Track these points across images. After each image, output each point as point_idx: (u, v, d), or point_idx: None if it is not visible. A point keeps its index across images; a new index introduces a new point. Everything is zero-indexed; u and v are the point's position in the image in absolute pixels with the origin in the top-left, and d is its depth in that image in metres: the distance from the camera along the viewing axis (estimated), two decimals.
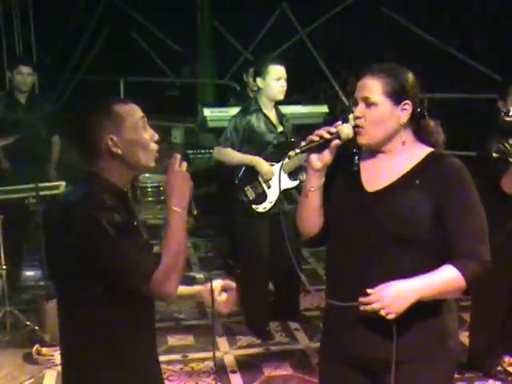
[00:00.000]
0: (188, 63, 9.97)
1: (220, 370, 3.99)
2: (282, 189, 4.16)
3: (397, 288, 1.90)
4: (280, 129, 4.35)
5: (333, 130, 2.04)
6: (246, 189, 4.27)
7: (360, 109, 2.04)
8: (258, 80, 4.25)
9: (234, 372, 3.97)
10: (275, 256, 4.30)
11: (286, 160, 2.07)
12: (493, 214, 3.59)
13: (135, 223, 2.00)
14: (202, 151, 7.01)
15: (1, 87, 5.73)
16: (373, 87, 2.02)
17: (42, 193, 4.42)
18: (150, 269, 1.83)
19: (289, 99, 4.54)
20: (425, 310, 1.98)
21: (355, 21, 8.39)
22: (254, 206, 4.25)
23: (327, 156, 2.05)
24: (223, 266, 5.86)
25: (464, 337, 4.29)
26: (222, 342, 4.39)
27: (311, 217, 2.16)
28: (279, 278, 4.59)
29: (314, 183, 2.10)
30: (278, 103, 4.38)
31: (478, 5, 7.64)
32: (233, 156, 4.28)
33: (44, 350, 4.06)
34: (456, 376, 3.75)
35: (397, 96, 2.02)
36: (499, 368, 3.85)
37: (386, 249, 1.99)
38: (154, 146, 2.00)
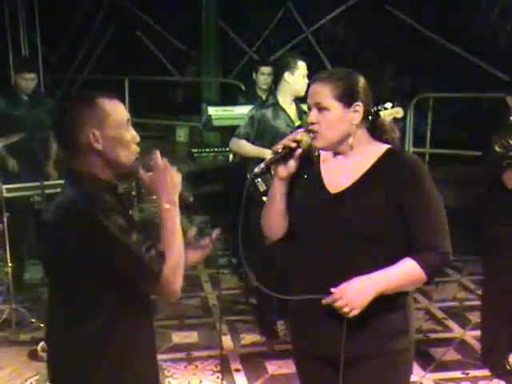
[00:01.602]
0: (193, 62, 9.98)
1: (224, 368, 4.00)
2: None
3: (358, 284, 1.95)
4: (298, 123, 4.37)
5: (298, 137, 2.10)
6: (256, 181, 4.30)
7: (313, 114, 2.10)
8: (286, 74, 4.27)
9: (238, 370, 3.98)
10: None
11: (256, 178, 2.13)
12: (504, 209, 3.63)
13: (133, 219, 1.98)
14: (207, 150, 7.01)
15: (7, 84, 5.76)
16: (323, 92, 2.07)
17: (47, 191, 4.43)
18: (159, 269, 1.82)
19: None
20: (385, 303, 2.02)
21: (360, 19, 8.39)
22: (264, 198, 4.27)
23: (292, 165, 2.13)
24: (227, 264, 5.87)
25: (469, 337, 4.31)
26: (227, 341, 4.39)
27: (276, 221, 2.23)
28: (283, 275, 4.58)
29: (279, 190, 2.18)
30: (298, 99, 4.42)
31: (483, 4, 7.62)
32: (247, 148, 4.36)
33: None
34: (460, 376, 3.81)
35: (347, 99, 2.07)
36: (508, 367, 3.84)
37: (349, 248, 2.03)
38: (136, 148, 1.97)
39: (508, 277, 3.65)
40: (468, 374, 3.85)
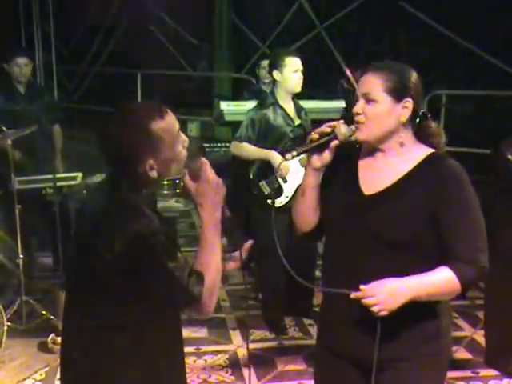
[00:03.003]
0: (205, 57, 9.97)
1: (233, 363, 4.00)
2: (298, 184, 4.13)
3: (391, 285, 1.89)
4: (297, 122, 4.32)
5: (334, 123, 2.05)
6: (260, 184, 4.25)
7: (359, 105, 2.04)
8: (275, 73, 4.22)
9: (247, 366, 3.98)
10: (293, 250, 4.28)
11: (284, 161, 2.08)
12: (506, 213, 3.60)
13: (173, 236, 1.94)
14: (218, 145, 7.01)
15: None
16: (374, 83, 2.01)
17: (59, 184, 4.44)
18: (199, 294, 1.78)
19: (306, 94, 4.51)
20: (419, 311, 1.97)
21: (373, 16, 8.35)
22: (269, 201, 4.22)
23: (327, 156, 2.06)
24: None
25: (479, 336, 4.28)
26: (236, 336, 4.39)
27: (307, 213, 2.18)
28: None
29: (312, 182, 2.12)
30: (295, 96, 4.36)
31: (496, 1, 7.55)
32: (249, 150, 4.27)
33: (59, 339, 4.08)
34: (470, 375, 3.80)
35: (398, 93, 2.00)
36: None
37: (378, 251, 1.98)
38: (185, 153, 1.89)
39: (509, 278, 3.62)
40: (478, 373, 3.84)
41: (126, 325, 1.82)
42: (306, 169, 2.14)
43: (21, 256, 4.32)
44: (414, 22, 8.12)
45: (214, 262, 1.83)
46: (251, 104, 5.50)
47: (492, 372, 3.85)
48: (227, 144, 6.93)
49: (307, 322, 4.63)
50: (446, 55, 7.94)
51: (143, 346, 1.86)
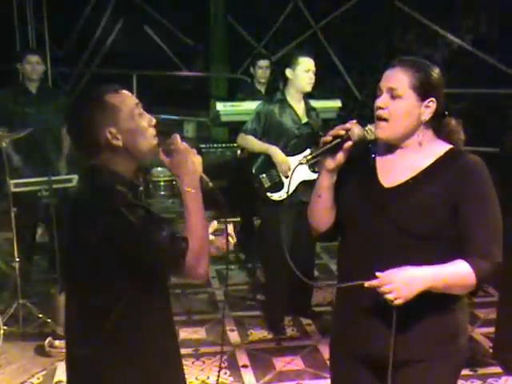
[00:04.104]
0: (201, 57, 9.96)
1: (231, 364, 3.99)
2: (301, 180, 4.19)
3: (407, 273, 1.87)
4: (305, 120, 4.35)
5: (347, 126, 2.03)
6: (261, 176, 4.30)
7: (384, 99, 2.00)
8: (288, 71, 4.27)
9: (245, 366, 3.97)
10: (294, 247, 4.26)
11: (299, 165, 2.06)
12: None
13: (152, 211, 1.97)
14: (215, 145, 7.01)
15: (13, 80, 5.72)
16: (401, 79, 1.98)
17: (55, 186, 4.42)
18: (182, 255, 1.83)
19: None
20: (436, 307, 1.97)
21: (369, 15, 8.34)
22: (268, 194, 4.28)
23: (341, 157, 2.05)
24: (235, 260, 5.86)
25: (477, 334, 4.28)
26: (234, 336, 4.38)
27: (323, 214, 2.16)
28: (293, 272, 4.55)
29: (327, 182, 2.11)
30: (306, 95, 4.40)
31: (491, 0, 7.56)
32: (253, 143, 4.36)
33: (56, 342, 4.07)
34: (469, 373, 3.79)
35: (423, 92, 1.98)
36: None
37: (400, 245, 1.97)
38: (153, 131, 1.96)
39: None
40: (477, 371, 3.83)
41: (115, 309, 1.88)
42: (319, 171, 2.14)
43: (17, 259, 4.31)
44: (409, 22, 8.13)
45: (198, 225, 1.89)
46: (247, 104, 5.51)
47: (490, 370, 3.85)
48: (224, 145, 6.95)
49: (305, 321, 4.63)
50: (442, 54, 7.95)
51: (134, 332, 1.91)
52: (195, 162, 1.92)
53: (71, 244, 1.95)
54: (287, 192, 4.19)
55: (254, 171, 4.37)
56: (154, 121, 1.97)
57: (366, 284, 1.89)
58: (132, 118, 1.92)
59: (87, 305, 1.92)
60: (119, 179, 1.91)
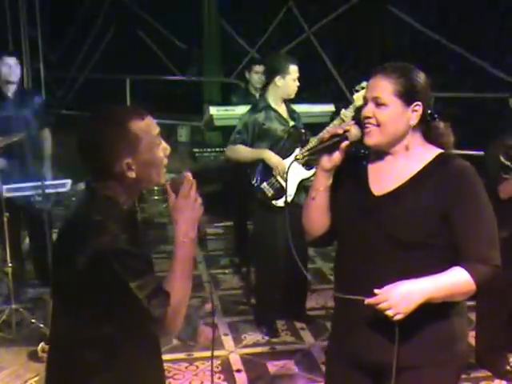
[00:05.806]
0: (194, 62, 9.97)
1: (225, 368, 3.99)
2: (299, 180, 4.21)
3: (405, 288, 1.86)
4: (292, 123, 4.37)
5: (347, 127, 2.03)
6: (262, 186, 4.28)
7: (369, 109, 2.01)
8: (277, 78, 4.26)
9: (239, 371, 3.96)
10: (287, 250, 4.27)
11: (294, 162, 2.06)
12: (499, 210, 3.60)
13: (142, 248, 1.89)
14: (208, 150, 7.01)
15: None
16: (384, 87, 1.98)
17: (47, 191, 4.39)
18: (162, 314, 1.75)
19: (296, 98, 4.53)
20: (432, 312, 1.95)
21: (362, 20, 8.37)
22: (273, 202, 4.27)
23: (337, 157, 2.04)
24: (229, 264, 5.85)
25: (471, 337, 4.28)
26: (228, 341, 4.37)
27: (317, 218, 2.15)
28: (288, 276, 4.56)
29: (323, 183, 2.09)
30: (288, 100, 4.41)
31: (485, 4, 7.60)
32: (244, 152, 4.32)
33: None
34: (462, 376, 3.78)
35: (408, 97, 1.97)
36: (508, 367, 3.82)
37: (390, 252, 1.96)
38: (166, 161, 1.88)
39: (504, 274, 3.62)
40: (469, 374, 3.83)
41: (97, 336, 1.81)
42: (316, 171, 2.13)
43: (10, 264, 4.29)
44: (402, 26, 8.16)
45: (182, 278, 1.80)
46: (240, 109, 5.51)
47: (483, 373, 3.84)
48: (217, 149, 6.94)
49: (299, 325, 4.62)
50: (435, 58, 7.98)
51: (118, 360, 1.85)
52: (197, 212, 1.82)
53: (58, 263, 1.88)
54: (290, 195, 4.21)
55: (254, 184, 4.32)
56: (169, 150, 1.89)
57: (366, 302, 1.88)
58: (151, 149, 1.83)
59: (70, 323, 1.85)
60: (117, 211, 1.82)
